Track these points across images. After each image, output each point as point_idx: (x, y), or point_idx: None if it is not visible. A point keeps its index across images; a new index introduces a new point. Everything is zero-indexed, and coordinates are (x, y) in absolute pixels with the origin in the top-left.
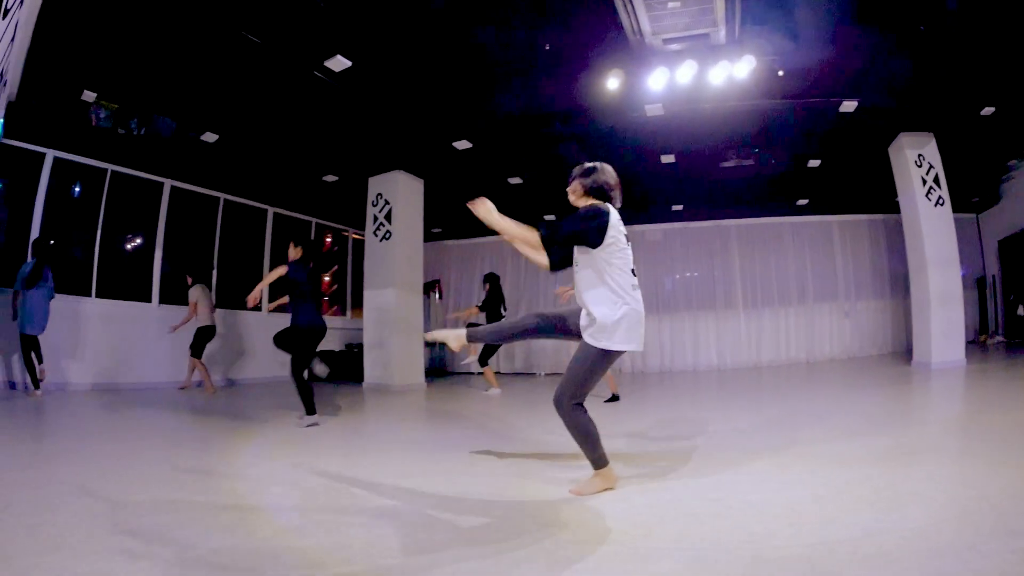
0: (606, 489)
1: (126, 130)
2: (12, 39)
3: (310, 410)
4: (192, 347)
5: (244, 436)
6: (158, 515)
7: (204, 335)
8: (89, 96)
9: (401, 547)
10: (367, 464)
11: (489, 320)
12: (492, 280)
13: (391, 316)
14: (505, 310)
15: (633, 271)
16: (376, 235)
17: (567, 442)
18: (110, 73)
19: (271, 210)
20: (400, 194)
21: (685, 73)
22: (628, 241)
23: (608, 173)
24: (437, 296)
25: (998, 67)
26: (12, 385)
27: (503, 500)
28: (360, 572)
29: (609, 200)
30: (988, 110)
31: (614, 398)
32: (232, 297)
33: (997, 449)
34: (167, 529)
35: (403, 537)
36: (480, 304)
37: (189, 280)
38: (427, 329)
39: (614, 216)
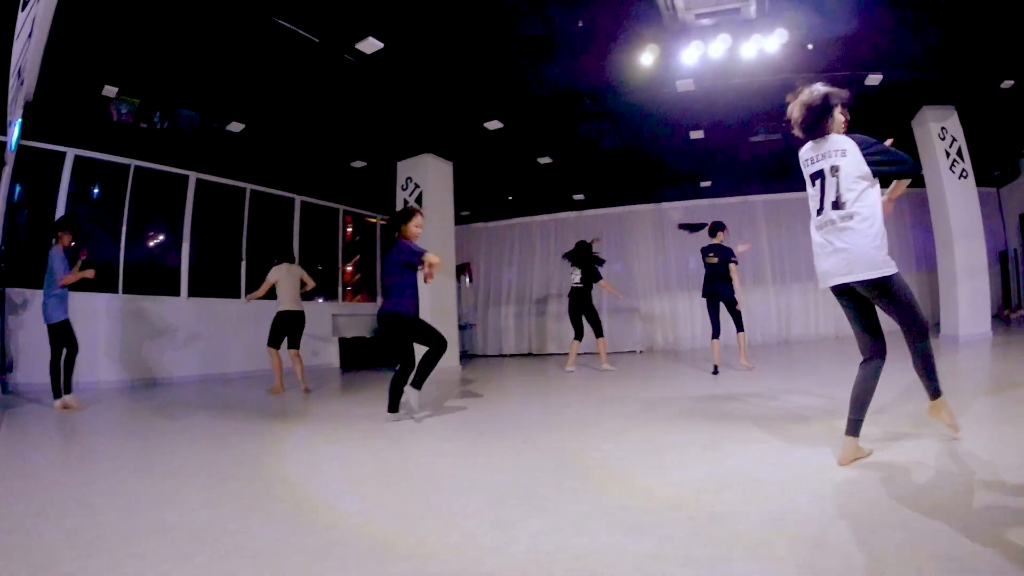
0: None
1: (148, 124)
2: (30, 34)
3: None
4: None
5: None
6: (210, 509)
7: (279, 322)
8: (110, 91)
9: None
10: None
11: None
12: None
13: (424, 300)
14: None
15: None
16: None
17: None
18: (132, 66)
19: (298, 199)
20: (430, 177)
21: (718, 48)
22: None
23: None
24: (468, 279)
25: (1018, 40)
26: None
27: (569, 467)
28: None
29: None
30: (1008, 83)
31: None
32: (257, 285)
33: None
34: (219, 522)
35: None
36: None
37: (275, 262)
38: (459, 312)
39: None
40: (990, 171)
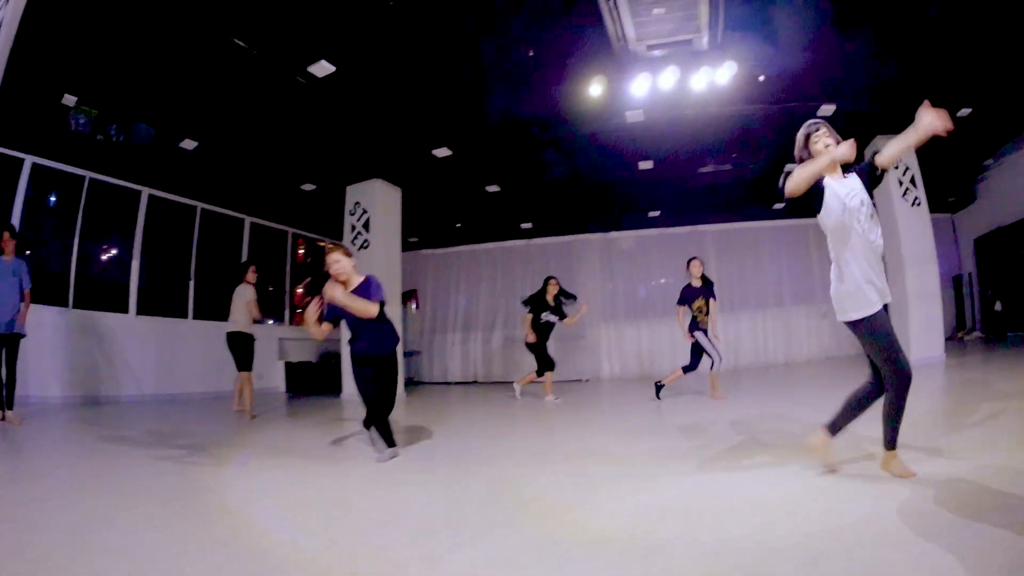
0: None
1: (104, 136)
2: None
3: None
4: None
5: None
6: (151, 533)
7: (228, 343)
8: (69, 100)
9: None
10: (356, 475)
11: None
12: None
13: None
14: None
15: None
16: (354, 244)
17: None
18: (91, 77)
19: (248, 219)
20: (378, 203)
21: (667, 79)
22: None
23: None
24: (414, 306)
25: (974, 69)
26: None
27: (503, 499)
28: None
29: None
30: (964, 111)
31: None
32: (208, 308)
33: (981, 436)
34: (159, 546)
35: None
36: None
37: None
38: (404, 339)
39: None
40: (945, 197)
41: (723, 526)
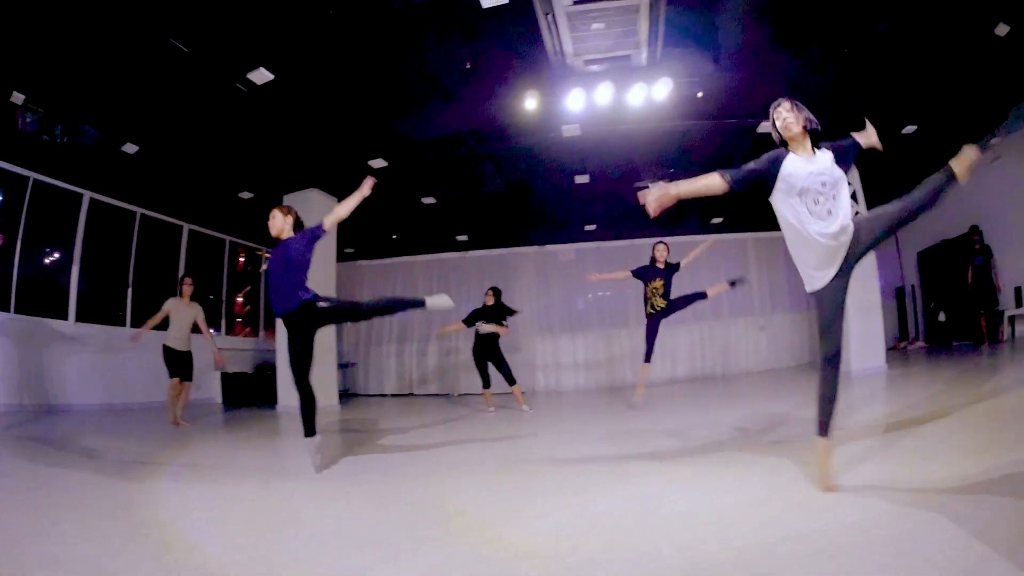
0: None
1: (50, 136)
2: None
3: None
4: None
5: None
6: (84, 545)
7: (166, 357)
8: (18, 98)
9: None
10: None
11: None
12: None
13: None
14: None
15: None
16: None
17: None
18: (38, 74)
19: (186, 227)
20: (315, 212)
21: (603, 94)
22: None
23: None
24: None
25: (920, 87)
26: None
27: (430, 513)
28: None
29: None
30: (910, 128)
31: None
32: (146, 317)
33: (921, 445)
34: (92, 560)
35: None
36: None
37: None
38: (339, 351)
39: None
40: None
41: (651, 542)
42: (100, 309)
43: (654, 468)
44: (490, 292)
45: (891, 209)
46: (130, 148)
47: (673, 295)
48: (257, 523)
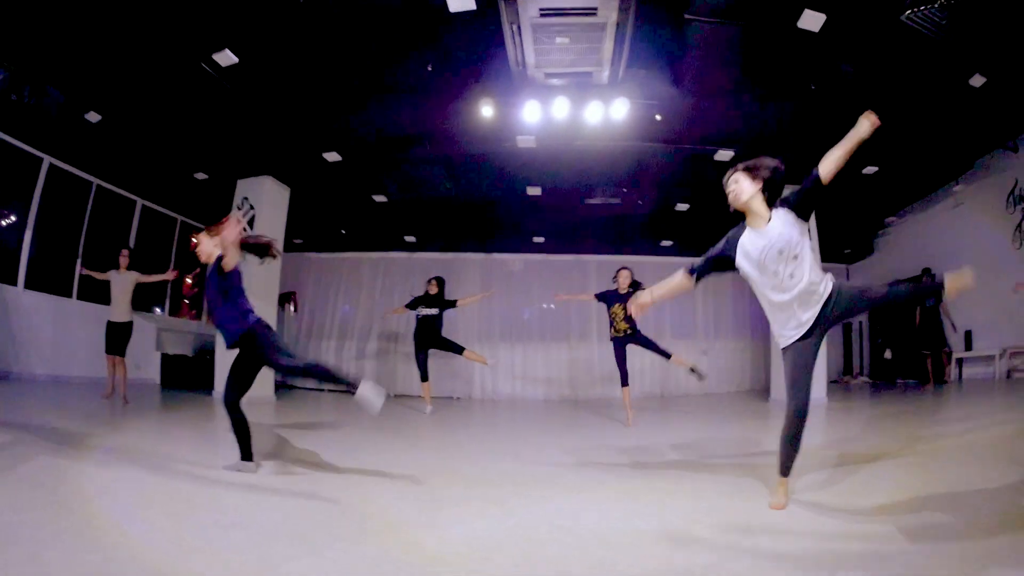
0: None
1: (18, 96)
2: None
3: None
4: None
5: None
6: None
7: (108, 331)
8: None
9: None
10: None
11: (431, 328)
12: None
13: None
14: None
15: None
16: None
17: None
18: (7, 35)
19: (140, 202)
20: (266, 200)
21: (560, 109)
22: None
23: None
24: (292, 308)
25: (886, 129)
26: None
27: (349, 512)
28: None
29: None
30: (871, 169)
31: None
32: (92, 289)
33: (850, 480)
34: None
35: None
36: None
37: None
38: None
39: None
40: (842, 249)
41: (562, 558)
42: (49, 278)
43: (578, 484)
44: (433, 281)
45: (877, 292)
46: (93, 117)
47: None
48: (180, 507)
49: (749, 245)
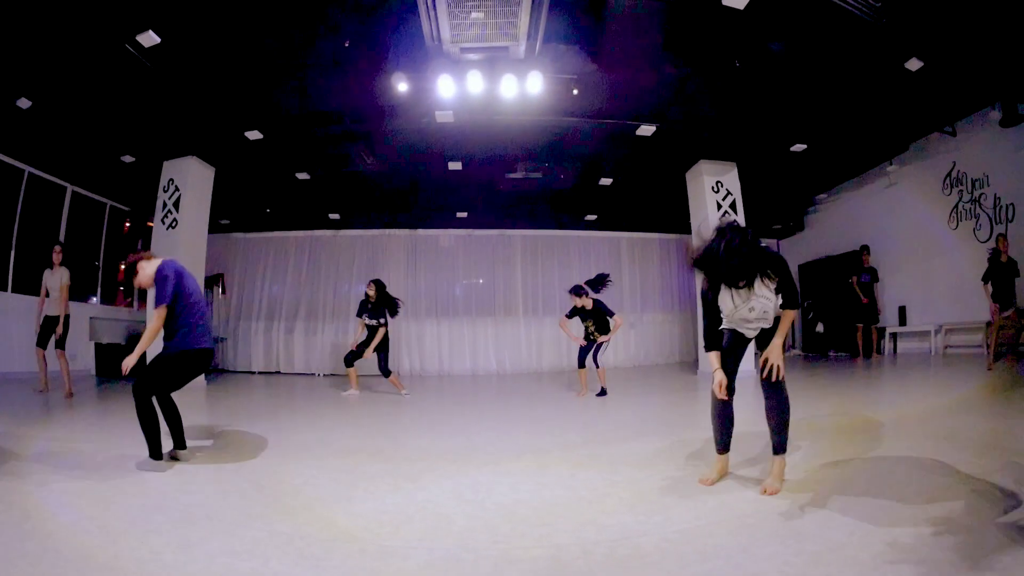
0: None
1: None
2: None
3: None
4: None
5: None
6: None
7: (44, 325)
8: None
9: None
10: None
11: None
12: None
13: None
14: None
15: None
16: (163, 223)
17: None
18: None
19: (70, 188)
20: (190, 181)
21: (474, 84)
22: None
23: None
24: (221, 291)
25: (810, 108)
26: None
27: (265, 492)
28: None
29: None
30: (799, 147)
31: (603, 392)
32: (29, 281)
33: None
34: None
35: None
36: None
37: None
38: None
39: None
40: (772, 224)
41: (470, 532)
42: None
43: (493, 458)
44: (371, 285)
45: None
46: (24, 103)
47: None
48: (108, 493)
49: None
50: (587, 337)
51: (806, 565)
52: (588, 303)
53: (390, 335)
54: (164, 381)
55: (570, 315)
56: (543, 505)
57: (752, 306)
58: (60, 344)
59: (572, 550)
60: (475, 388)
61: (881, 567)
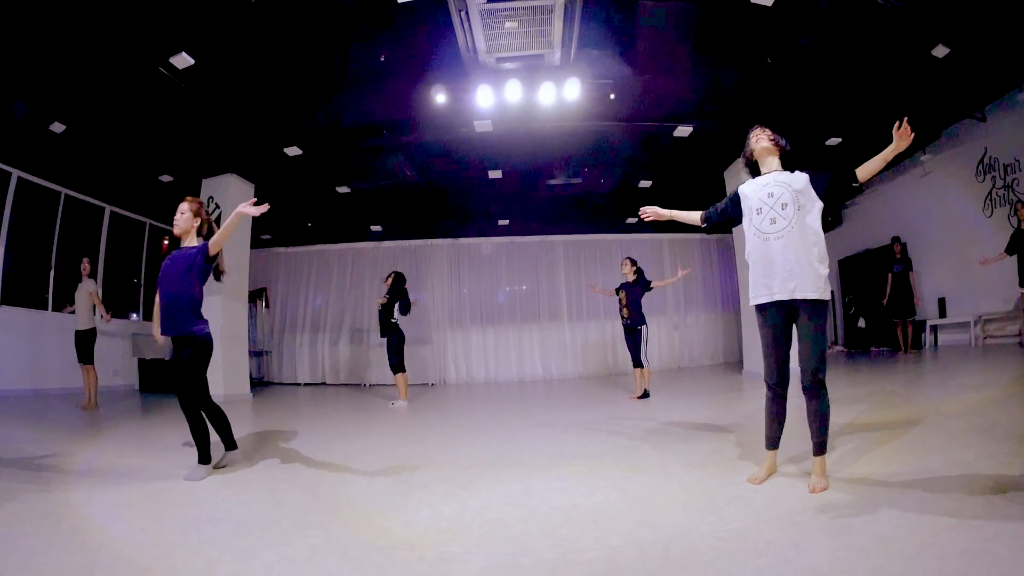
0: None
1: None
2: None
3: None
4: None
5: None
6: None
7: (76, 340)
8: None
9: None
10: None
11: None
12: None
13: (216, 325)
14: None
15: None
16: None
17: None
18: None
19: (108, 208)
20: (231, 198)
21: (513, 92)
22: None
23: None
24: (264, 305)
25: (848, 101)
26: None
27: (320, 501)
28: None
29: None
30: (834, 140)
31: (645, 394)
32: (68, 299)
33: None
34: (5, 541)
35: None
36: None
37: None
38: (253, 339)
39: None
40: None
41: (527, 537)
42: (23, 291)
43: (545, 464)
44: (391, 275)
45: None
46: (58, 127)
47: (641, 308)
48: (158, 506)
49: (748, 189)
50: (620, 313)
51: (856, 559)
52: (630, 275)
53: (404, 334)
54: (201, 382)
55: (618, 288)
56: (597, 508)
57: (773, 218)
58: (88, 358)
59: (628, 552)
60: (522, 394)
61: (927, 560)
